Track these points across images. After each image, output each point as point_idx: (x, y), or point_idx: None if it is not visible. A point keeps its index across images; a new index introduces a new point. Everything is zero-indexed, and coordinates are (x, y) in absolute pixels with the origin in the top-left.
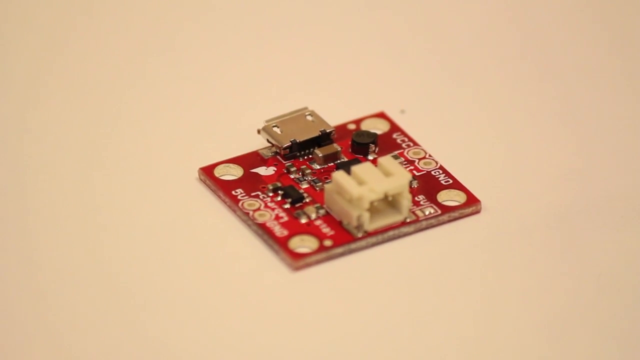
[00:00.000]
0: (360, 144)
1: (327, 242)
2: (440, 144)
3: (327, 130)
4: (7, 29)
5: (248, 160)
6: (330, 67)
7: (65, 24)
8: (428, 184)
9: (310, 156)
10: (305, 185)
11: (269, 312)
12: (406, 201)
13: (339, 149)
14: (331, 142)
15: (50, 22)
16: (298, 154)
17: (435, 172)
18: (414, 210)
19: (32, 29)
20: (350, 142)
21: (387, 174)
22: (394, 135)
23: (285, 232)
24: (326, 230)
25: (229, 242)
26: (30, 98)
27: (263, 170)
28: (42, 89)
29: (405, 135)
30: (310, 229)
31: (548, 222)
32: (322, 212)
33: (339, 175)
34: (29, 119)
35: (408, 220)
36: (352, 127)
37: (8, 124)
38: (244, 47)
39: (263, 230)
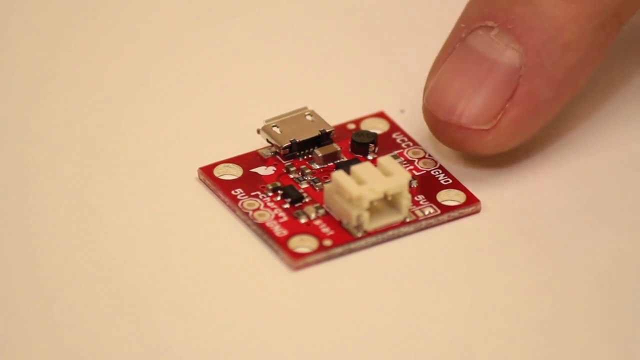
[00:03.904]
0: (360, 144)
1: (327, 242)
2: (439, 143)
3: (327, 130)
4: (10, 29)
5: (248, 160)
6: (330, 67)
7: (67, 25)
8: (427, 184)
9: (309, 156)
10: (304, 185)
11: (268, 312)
12: (406, 201)
13: (339, 148)
14: (331, 141)
15: (53, 22)
16: (298, 153)
17: (434, 172)
18: (413, 210)
19: (35, 29)
20: (349, 142)
21: (386, 173)
22: (394, 135)
23: (285, 232)
24: (326, 230)
25: (228, 241)
26: (32, 98)
27: (263, 170)
28: (44, 88)
29: (405, 135)
30: (309, 229)
31: (548, 222)
32: (321, 211)
33: (338, 175)
34: (31, 119)
35: (408, 220)
36: (351, 126)
37: (10, 123)
38: (244, 47)
39: (263, 230)
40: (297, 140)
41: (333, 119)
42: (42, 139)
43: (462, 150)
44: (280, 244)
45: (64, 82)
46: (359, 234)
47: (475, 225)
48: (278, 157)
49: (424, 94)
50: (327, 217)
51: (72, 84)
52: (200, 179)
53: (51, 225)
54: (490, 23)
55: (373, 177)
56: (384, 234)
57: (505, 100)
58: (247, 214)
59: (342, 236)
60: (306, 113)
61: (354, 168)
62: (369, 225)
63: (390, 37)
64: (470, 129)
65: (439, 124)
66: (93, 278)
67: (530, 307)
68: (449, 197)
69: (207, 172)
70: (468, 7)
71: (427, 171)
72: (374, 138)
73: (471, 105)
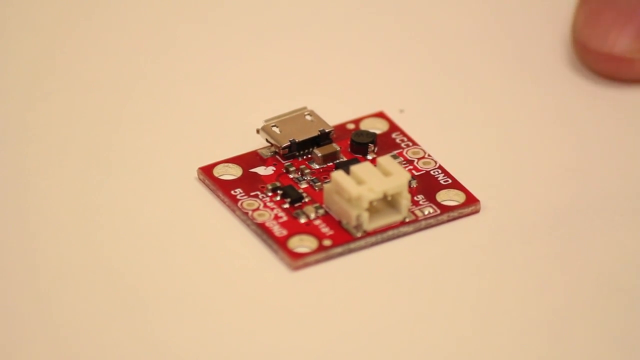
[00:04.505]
0: (360, 144)
1: (326, 242)
2: (439, 143)
3: (326, 130)
4: (8, 29)
5: (247, 160)
6: (329, 67)
7: (66, 24)
8: (427, 184)
9: (309, 156)
10: (304, 185)
11: (268, 312)
12: (405, 201)
13: (338, 148)
14: (330, 141)
15: (51, 22)
16: (297, 153)
17: (434, 172)
18: (413, 210)
19: (33, 29)
20: (349, 142)
21: (386, 173)
22: (393, 135)
23: (285, 232)
24: (325, 230)
25: (228, 241)
26: (31, 97)
27: (262, 170)
28: (43, 88)
29: (405, 135)
30: (309, 229)
31: (547, 222)
32: (321, 211)
33: (338, 175)
34: (30, 119)
35: (407, 220)
36: (351, 126)
37: (9, 123)
38: (243, 47)
39: (262, 230)
40: (297, 140)
41: (332, 118)
42: (41, 139)
43: (614, 79)
44: (279, 244)
45: (64, 82)
46: (359, 234)
47: (474, 225)
48: (277, 157)
49: (572, 26)
50: (327, 217)
51: (71, 84)
52: (200, 179)
53: (51, 225)
54: None
55: (372, 177)
56: (383, 234)
57: None
58: (246, 214)
59: (342, 236)
60: (305, 113)
61: (354, 168)
62: (369, 225)
63: (390, 37)
64: (623, 57)
65: (591, 54)
66: (92, 278)
67: (530, 307)
68: (449, 197)
69: (206, 172)
70: None
71: (426, 171)
72: (373, 138)
73: (624, 34)
